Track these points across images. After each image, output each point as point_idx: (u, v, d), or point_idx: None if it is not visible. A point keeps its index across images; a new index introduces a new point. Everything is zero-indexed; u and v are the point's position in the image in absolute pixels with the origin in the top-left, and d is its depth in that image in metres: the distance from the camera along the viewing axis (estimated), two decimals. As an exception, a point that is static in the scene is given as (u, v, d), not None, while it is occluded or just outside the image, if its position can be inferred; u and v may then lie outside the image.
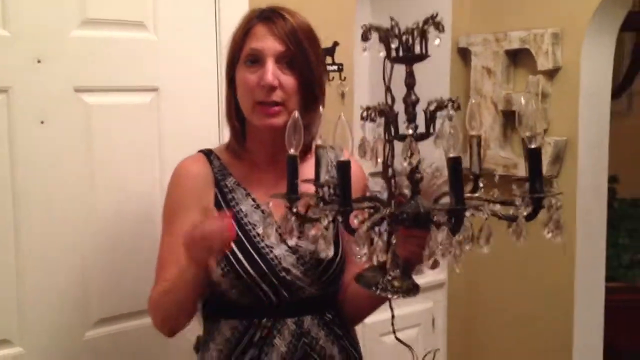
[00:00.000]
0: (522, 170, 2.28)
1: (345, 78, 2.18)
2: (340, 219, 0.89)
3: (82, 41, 1.66)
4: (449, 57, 2.50)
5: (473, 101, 0.97)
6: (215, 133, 1.85)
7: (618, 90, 3.36)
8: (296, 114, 0.98)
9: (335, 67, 2.13)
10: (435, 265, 0.87)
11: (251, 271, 1.30)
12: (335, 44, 2.15)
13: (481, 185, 1.07)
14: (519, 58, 2.38)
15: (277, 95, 1.29)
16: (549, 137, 2.25)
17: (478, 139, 1.07)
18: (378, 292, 1.01)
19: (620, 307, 2.63)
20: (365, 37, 0.98)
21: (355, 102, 2.19)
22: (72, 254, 1.69)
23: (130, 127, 1.75)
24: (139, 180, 1.76)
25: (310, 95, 1.33)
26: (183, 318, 1.34)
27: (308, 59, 1.32)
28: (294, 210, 0.97)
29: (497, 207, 0.93)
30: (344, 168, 0.88)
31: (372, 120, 0.98)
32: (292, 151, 0.98)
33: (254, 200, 1.37)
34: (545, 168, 2.22)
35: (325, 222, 0.89)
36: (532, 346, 2.42)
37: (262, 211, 1.32)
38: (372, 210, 0.99)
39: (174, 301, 1.30)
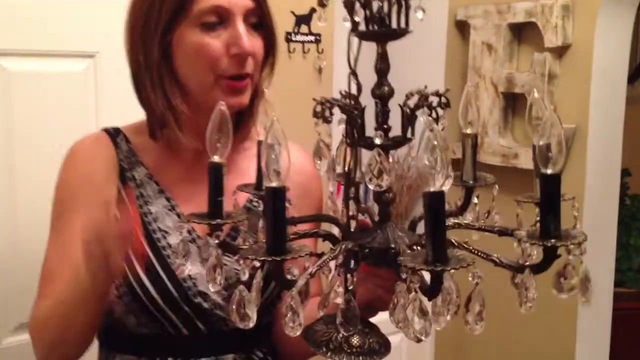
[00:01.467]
0: (524, 162, 2.06)
1: (322, 51, 1.91)
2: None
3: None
4: (445, 31, 2.32)
5: (469, 88, 0.71)
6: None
7: (633, 75, 3.05)
8: (222, 105, 0.70)
9: (312, 38, 1.86)
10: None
11: (154, 294, 1.00)
12: (313, 10, 1.91)
13: (475, 200, 0.80)
14: (523, 33, 2.19)
15: (250, 66, 1.01)
16: None
17: (474, 139, 0.81)
18: (329, 354, 0.74)
19: (629, 317, 2.37)
20: (349, 5, 0.71)
21: (335, 80, 1.97)
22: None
23: (61, 99, 1.54)
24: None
25: (267, 66, 1.06)
26: (80, 341, 1.02)
27: (272, 19, 1.05)
28: (216, 239, 0.70)
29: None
30: (274, 196, 0.61)
31: (326, 120, 0.71)
32: (216, 158, 0.71)
33: (168, 200, 1.06)
34: None
35: (244, 276, 0.62)
36: (530, 350, 2.23)
37: (178, 215, 1.04)
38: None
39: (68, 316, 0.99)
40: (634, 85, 2.78)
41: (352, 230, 0.77)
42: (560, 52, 2.05)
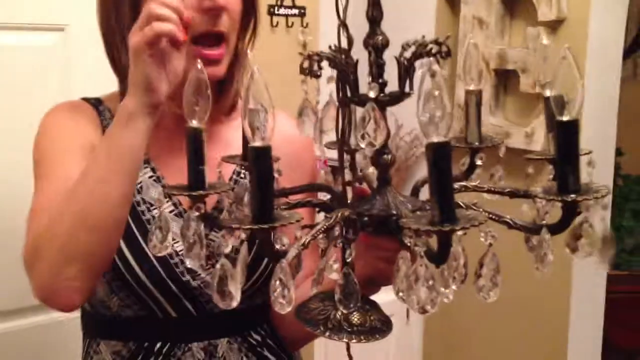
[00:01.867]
0: (516, 141, 2.00)
1: (307, 25, 1.83)
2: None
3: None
4: (434, 6, 2.23)
5: (471, 41, 0.64)
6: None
7: (627, 51, 2.99)
8: (199, 64, 0.63)
9: (296, 11, 1.77)
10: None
11: (138, 271, 0.92)
12: (297, -18, 1.83)
13: (479, 162, 0.74)
14: (516, 6, 2.11)
15: (225, 24, 0.92)
16: None
17: (477, 95, 0.75)
18: (327, 333, 0.67)
19: (622, 299, 2.31)
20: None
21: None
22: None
23: (31, 74, 1.50)
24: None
25: (247, 28, 0.98)
26: (112, 240, 0.85)
27: None
28: (199, 210, 0.63)
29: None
30: (258, 156, 0.54)
31: (315, 74, 0.64)
32: (194, 123, 0.64)
33: (154, 170, 0.99)
34: (542, 139, 1.91)
35: (227, 249, 0.55)
36: (521, 334, 2.15)
37: (164, 187, 0.94)
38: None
39: (102, 195, 0.82)
40: (623, 65, 2.73)
41: (349, 199, 0.71)
42: (554, 26, 1.96)
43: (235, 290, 0.55)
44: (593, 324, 2.07)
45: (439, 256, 0.53)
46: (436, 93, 0.53)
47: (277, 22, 1.80)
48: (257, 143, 0.55)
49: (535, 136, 1.95)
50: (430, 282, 0.51)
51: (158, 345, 0.95)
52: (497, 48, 2.08)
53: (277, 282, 0.53)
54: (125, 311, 0.95)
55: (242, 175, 1.01)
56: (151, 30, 0.80)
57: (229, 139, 0.97)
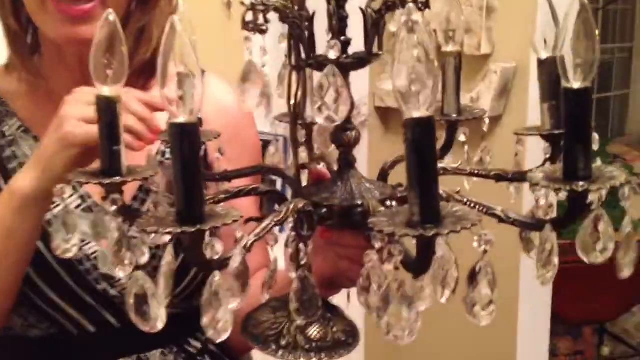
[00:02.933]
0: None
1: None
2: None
3: None
4: None
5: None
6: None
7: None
8: (111, 14, 0.49)
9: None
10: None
11: (39, 282, 0.77)
12: None
13: (463, 138, 0.62)
14: None
15: None
16: (493, 64, 1.83)
17: (457, 58, 0.63)
18: (281, 353, 0.54)
19: (570, 270, 2.23)
20: None
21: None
22: None
23: None
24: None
25: None
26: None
27: None
28: (115, 203, 0.50)
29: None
30: (182, 135, 0.41)
31: (260, 30, 0.51)
32: (106, 91, 0.50)
33: None
34: (489, 104, 1.80)
35: (143, 258, 0.43)
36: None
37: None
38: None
39: None
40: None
41: (303, 184, 0.58)
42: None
43: (158, 309, 0.42)
44: (541, 298, 1.99)
45: (420, 265, 0.41)
46: (417, 53, 0.40)
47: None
48: (181, 118, 0.41)
49: (481, 102, 1.83)
50: (407, 302, 0.39)
51: None
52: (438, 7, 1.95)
53: (207, 305, 0.41)
54: (32, 331, 0.80)
55: (168, 156, 0.85)
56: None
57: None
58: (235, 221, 0.42)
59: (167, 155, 0.83)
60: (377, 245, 0.42)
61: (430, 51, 0.40)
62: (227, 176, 0.63)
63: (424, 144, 0.39)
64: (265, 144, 0.60)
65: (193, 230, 0.40)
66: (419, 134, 0.39)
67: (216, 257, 0.41)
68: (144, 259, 0.44)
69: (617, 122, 3.79)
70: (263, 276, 0.54)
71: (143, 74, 0.80)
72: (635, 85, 3.82)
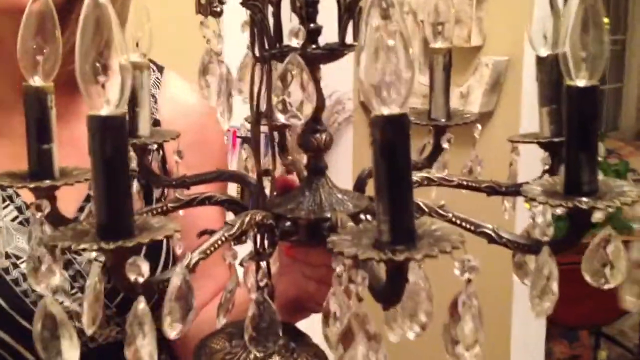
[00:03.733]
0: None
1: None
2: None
3: None
4: None
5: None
6: None
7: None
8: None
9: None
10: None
11: None
12: None
13: (445, 145, 0.55)
14: None
15: None
16: (485, 57, 1.76)
17: (447, 55, 0.56)
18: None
19: (566, 272, 2.14)
20: None
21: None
22: None
23: None
24: None
25: None
26: None
27: None
28: (40, 210, 0.43)
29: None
30: (104, 130, 0.33)
31: (215, 13, 0.44)
32: (37, 80, 0.44)
33: None
34: (479, 99, 1.72)
35: (54, 278, 0.36)
36: None
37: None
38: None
39: None
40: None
41: (267, 192, 0.51)
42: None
43: (72, 349, 0.35)
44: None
45: (389, 294, 0.34)
46: (391, 42, 0.34)
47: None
48: (104, 110, 0.34)
49: (471, 97, 1.76)
50: (371, 339, 0.32)
51: None
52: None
53: (130, 335, 0.33)
54: None
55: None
56: None
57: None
58: (169, 236, 0.35)
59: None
60: (339, 269, 0.34)
61: (406, 38, 0.33)
62: (185, 182, 0.56)
63: (395, 146, 0.32)
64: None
65: (113, 247, 0.33)
66: (390, 135, 0.32)
67: (141, 279, 0.34)
68: (55, 280, 0.37)
69: (611, 117, 3.71)
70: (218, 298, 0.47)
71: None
72: (628, 78, 3.74)
